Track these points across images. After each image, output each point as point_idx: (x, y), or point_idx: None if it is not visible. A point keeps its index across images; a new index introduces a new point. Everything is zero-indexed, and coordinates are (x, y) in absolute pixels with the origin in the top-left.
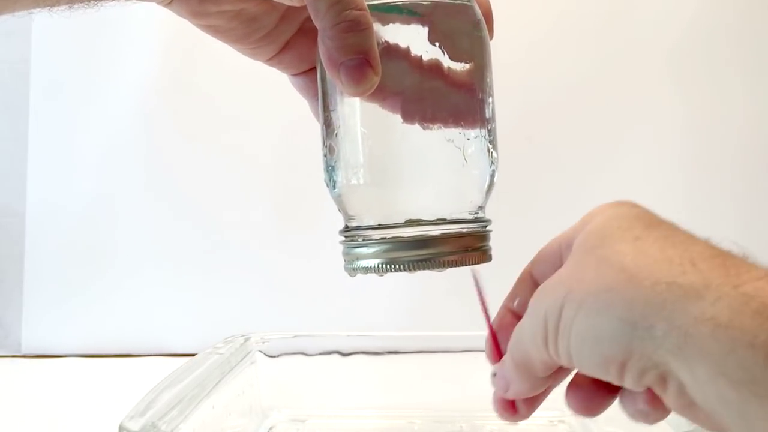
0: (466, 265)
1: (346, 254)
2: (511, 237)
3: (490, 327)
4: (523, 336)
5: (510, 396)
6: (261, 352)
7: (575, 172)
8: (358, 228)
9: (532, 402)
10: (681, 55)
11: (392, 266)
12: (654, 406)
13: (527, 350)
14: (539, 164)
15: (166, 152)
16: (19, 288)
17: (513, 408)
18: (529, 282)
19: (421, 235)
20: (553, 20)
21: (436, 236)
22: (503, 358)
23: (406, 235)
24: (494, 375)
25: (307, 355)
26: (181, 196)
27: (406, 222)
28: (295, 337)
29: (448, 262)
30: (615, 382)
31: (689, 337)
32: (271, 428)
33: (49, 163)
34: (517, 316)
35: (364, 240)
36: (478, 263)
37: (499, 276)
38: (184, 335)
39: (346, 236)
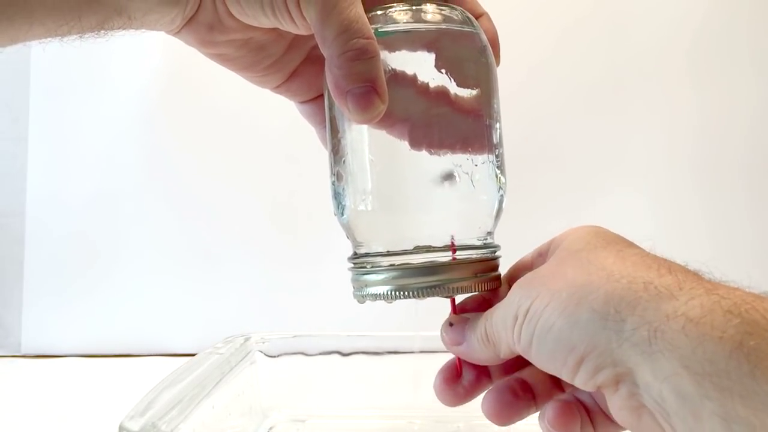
0: (475, 291)
1: (354, 281)
2: (520, 236)
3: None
4: (497, 317)
5: (457, 352)
6: (261, 352)
7: (588, 172)
8: (366, 255)
9: (477, 384)
10: (694, 55)
11: (401, 293)
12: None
13: (498, 330)
14: (551, 165)
15: (166, 152)
16: (19, 288)
17: (458, 373)
18: (507, 286)
19: (430, 261)
20: (569, 23)
21: (445, 263)
22: (473, 322)
23: (414, 261)
24: (450, 324)
25: (307, 355)
26: (181, 196)
27: (414, 248)
28: (295, 337)
29: (457, 288)
30: (566, 377)
31: (659, 332)
32: (271, 428)
33: (49, 163)
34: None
35: (372, 267)
36: (487, 290)
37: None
38: (184, 335)
39: (354, 263)
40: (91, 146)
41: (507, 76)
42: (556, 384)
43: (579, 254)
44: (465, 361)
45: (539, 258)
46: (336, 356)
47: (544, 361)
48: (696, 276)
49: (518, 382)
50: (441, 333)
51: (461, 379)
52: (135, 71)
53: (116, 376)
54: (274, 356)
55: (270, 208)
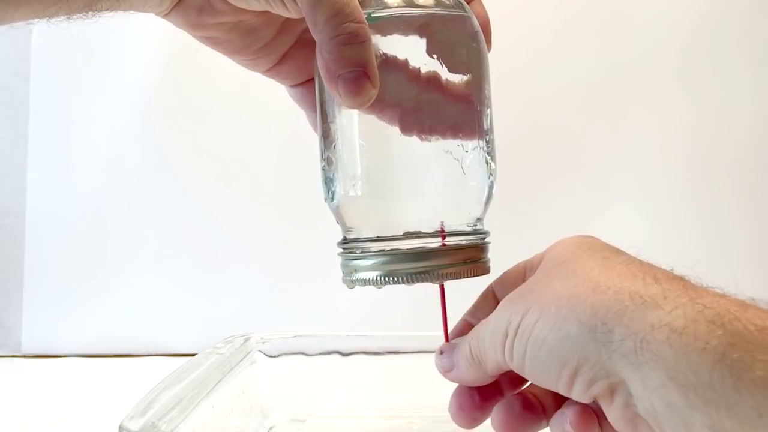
0: (464, 277)
1: (344, 266)
2: (512, 238)
3: (444, 312)
4: (485, 334)
5: (450, 378)
6: (261, 352)
7: (579, 174)
8: (356, 240)
9: (492, 403)
10: (686, 57)
11: (390, 279)
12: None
13: (485, 348)
14: (543, 166)
15: (166, 152)
16: (19, 288)
17: (471, 394)
18: (492, 300)
19: (419, 247)
20: (560, 22)
21: (435, 248)
22: (460, 345)
23: (404, 247)
24: (441, 353)
25: (307, 355)
26: (180, 196)
27: (404, 234)
28: (295, 337)
29: (446, 274)
30: (563, 390)
31: (645, 342)
32: (271, 428)
33: (49, 163)
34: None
35: (362, 252)
36: (476, 275)
37: (496, 276)
38: (184, 335)
39: (344, 248)
40: (92, 146)
41: (499, 76)
42: (563, 396)
43: (565, 265)
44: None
45: (530, 272)
46: (336, 356)
47: (539, 376)
48: (682, 283)
49: (527, 396)
50: (435, 362)
51: (475, 399)
52: (135, 71)
53: (116, 376)
54: (274, 356)
55: (270, 208)
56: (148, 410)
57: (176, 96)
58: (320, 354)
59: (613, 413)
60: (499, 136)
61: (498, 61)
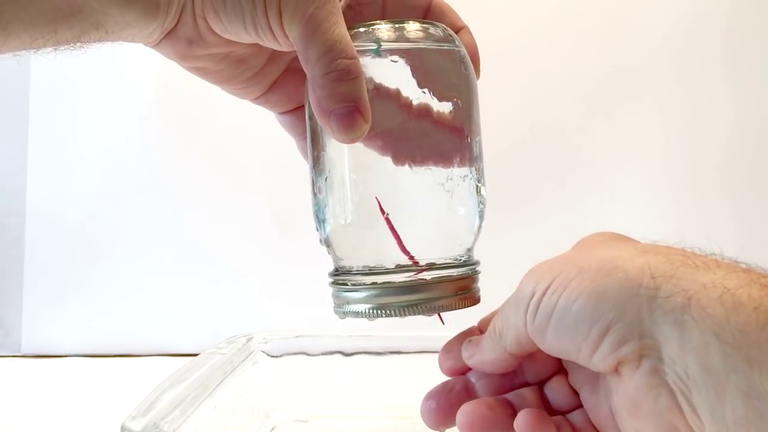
0: (456, 309)
1: (335, 297)
2: (506, 237)
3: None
4: (507, 305)
5: (472, 363)
6: (263, 352)
7: (574, 174)
8: (347, 272)
9: (455, 411)
10: (683, 57)
11: (382, 312)
12: None
13: (508, 317)
14: (535, 163)
15: (166, 151)
16: (19, 288)
17: (444, 395)
18: None
19: (410, 280)
20: (558, 23)
21: (426, 281)
22: (486, 333)
23: (395, 280)
24: (469, 342)
25: (309, 355)
26: (181, 195)
27: (395, 267)
28: (297, 337)
29: (438, 306)
30: (584, 354)
31: (694, 300)
32: (273, 428)
33: (49, 164)
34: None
35: (353, 285)
36: (468, 306)
37: (496, 274)
38: (186, 335)
39: (335, 280)
40: (92, 146)
41: (507, 80)
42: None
43: (605, 242)
44: (453, 386)
45: None
46: (338, 356)
47: (563, 336)
48: (730, 262)
49: (499, 401)
50: (462, 351)
51: (449, 401)
52: (135, 71)
53: (118, 376)
54: (277, 356)
55: (272, 207)
56: (150, 410)
57: (176, 95)
58: (322, 354)
59: (636, 380)
60: (496, 136)
61: (495, 63)
